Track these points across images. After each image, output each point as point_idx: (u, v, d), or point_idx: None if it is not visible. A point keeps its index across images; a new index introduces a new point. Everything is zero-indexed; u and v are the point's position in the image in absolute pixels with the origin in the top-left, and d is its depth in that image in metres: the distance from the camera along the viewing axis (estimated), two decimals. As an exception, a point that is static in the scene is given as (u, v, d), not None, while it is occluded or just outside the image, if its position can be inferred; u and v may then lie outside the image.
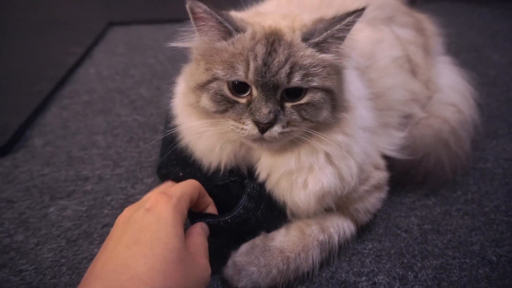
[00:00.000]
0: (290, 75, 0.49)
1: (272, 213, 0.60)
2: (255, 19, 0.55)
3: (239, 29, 0.51)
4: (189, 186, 0.54)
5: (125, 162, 0.86)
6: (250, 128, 0.50)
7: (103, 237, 0.67)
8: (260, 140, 0.52)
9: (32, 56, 1.42)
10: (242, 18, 0.54)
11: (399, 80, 0.75)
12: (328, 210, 0.62)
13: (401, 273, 0.61)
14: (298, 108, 0.51)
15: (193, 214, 0.57)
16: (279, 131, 0.50)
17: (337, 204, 0.61)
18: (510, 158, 0.87)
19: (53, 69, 1.29)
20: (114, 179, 0.81)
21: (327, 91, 0.52)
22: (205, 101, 0.53)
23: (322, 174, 0.55)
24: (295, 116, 0.51)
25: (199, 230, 0.53)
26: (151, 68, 1.33)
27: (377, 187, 0.66)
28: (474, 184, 0.80)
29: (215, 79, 0.51)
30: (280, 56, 0.49)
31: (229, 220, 0.56)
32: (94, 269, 0.42)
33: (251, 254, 0.57)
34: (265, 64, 0.49)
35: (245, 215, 0.56)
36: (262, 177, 0.59)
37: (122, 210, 0.72)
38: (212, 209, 0.58)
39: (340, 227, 0.62)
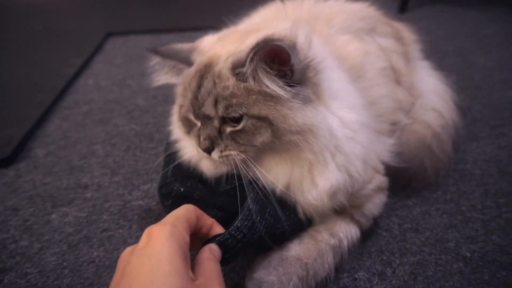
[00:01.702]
0: (216, 105, 0.53)
1: (283, 214, 0.58)
2: (215, 45, 0.59)
3: (190, 65, 0.58)
4: (182, 209, 0.50)
5: (122, 170, 0.91)
6: (200, 149, 0.56)
7: (102, 241, 0.72)
8: (212, 159, 0.57)
9: (33, 68, 1.48)
10: (202, 49, 0.60)
11: (386, 90, 0.78)
12: (337, 212, 0.63)
13: (380, 269, 0.65)
14: (234, 134, 0.54)
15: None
16: (218, 155, 0.55)
17: (342, 206, 0.61)
18: (488, 160, 0.92)
19: (53, 80, 1.34)
20: (112, 187, 0.86)
21: (259, 118, 0.52)
22: (179, 123, 0.61)
23: (327, 172, 0.56)
24: (230, 142, 0.54)
25: (208, 255, 0.48)
26: (148, 79, 1.37)
27: (379, 190, 0.69)
28: (453, 184, 0.85)
29: (181, 107, 0.59)
30: (205, 89, 0.54)
31: (238, 224, 0.53)
32: None
33: (269, 266, 0.58)
34: (195, 97, 0.55)
35: (253, 218, 0.55)
36: (268, 186, 0.58)
37: (120, 216, 0.78)
38: (217, 228, 0.54)
39: (348, 231, 0.64)
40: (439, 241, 0.71)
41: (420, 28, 2.01)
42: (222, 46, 0.58)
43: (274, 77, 0.50)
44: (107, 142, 1.02)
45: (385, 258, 0.67)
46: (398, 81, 0.84)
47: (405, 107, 0.85)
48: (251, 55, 0.49)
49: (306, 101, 0.53)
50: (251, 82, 0.51)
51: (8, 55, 1.63)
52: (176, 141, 0.67)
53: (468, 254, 0.68)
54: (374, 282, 0.63)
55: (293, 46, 0.48)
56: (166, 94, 0.69)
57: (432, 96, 0.94)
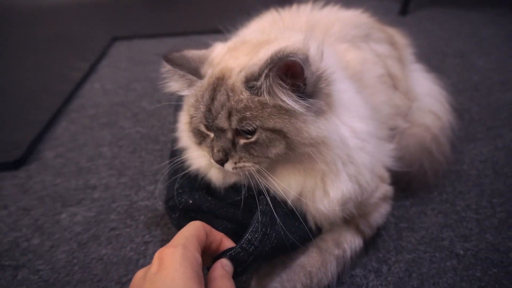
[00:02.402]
0: (230, 118, 0.53)
1: (293, 224, 0.59)
2: (226, 56, 0.58)
3: (200, 76, 0.58)
4: (191, 228, 0.49)
5: (129, 171, 0.94)
6: (213, 160, 0.57)
7: (110, 240, 0.75)
8: (224, 170, 0.57)
9: (40, 72, 1.52)
10: (211, 60, 0.59)
11: (385, 96, 0.79)
12: (345, 222, 0.65)
13: (376, 266, 0.68)
14: (248, 146, 0.54)
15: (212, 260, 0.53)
16: (232, 166, 0.55)
17: (351, 215, 0.63)
18: (485, 160, 0.94)
19: (61, 85, 1.38)
20: (119, 187, 0.89)
21: (274, 131, 0.52)
22: (190, 133, 0.61)
23: (339, 182, 0.57)
24: (244, 153, 0.55)
25: (221, 272, 0.48)
26: (153, 82, 1.41)
27: (384, 199, 0.70)
28: (449, 185, 0.87)
29: (192, 117, 0.59)
30: (218, 102, 0.54)
31: (249, 237, 0.53)
32: None
33: (273, 273, 0.59)
34: (209, 110, 0.55)
35: (263, 229, 0.55)
36: (279, 196, 0.58)
37: (127, 216, 0.81)
38: (227, 242, 0.54)
39: (352, 242, 0.65)
40: (434, 240, 0.73)
41: (421, 30, 2.04)
42: (234, 58, 0.57)
43: (289, 91, 0.50)
44: (113, 144, 1.05)
45: (381, 255, 0.70)
46: (395, 86, 0.86)
47: (403, 112, 0.87)
48: (266, 71, 0.49)
49: (319, 113, 0.54)
50: (265, 96, 0.51)
51: (16, 60, 1.67)
52: (183, 149, 0.68)
53: (461, 252, 0.70)
54: (370, 279, 0.65)
55: (306, 59, 0.48)
56: (170, 98, 0.71)
57: (428, 98, 0.96)
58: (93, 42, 1.82)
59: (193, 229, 0.48)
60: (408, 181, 0.82)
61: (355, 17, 0.87)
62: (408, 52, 0.97)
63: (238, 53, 0.59)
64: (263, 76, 0.50)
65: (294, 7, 0.85)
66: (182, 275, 0.40)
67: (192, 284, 0.40)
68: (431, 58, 1.58)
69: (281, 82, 0.50)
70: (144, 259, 0.71)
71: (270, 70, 0.49)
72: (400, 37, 0.95)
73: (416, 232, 0.75)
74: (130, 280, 0.67)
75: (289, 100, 0.50)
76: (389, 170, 0.72)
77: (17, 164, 0.98)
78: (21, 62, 1.64)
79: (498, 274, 0.65)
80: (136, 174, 0.93)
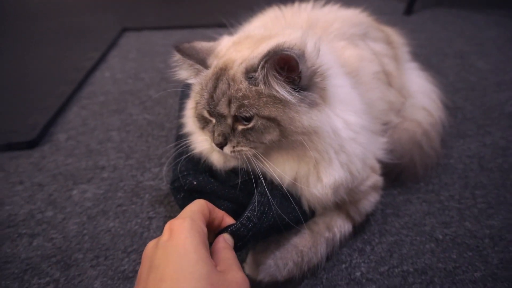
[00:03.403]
0: (229, 105, 0.58)
1: (289, 206, 0.63)
2: (230, 49, 0.63)
3: (207, 67, 0.63)
4: (196, 204, 0.53)
5: (135, 154, 1.01)
6: (213, 144, 0.61)
7: (117, 214, 0.82)
8: (224, 153, 0.61)
9: (53, 61, 1.58)
10: (217, 52, 0.64)
11: (379, 93, 0.83)
12: (337, 207, 0.70)
13: (360, 246, 0.73)
14: (245, 132, 0.59)
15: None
16: (230, 150, 0.60)
17: (343, 200, 0.67)
18: (472, 156, 0.99)
19: (72, 73, 1.44)
20: (126, 168, 0.96)
21: (269, 118, 0.57)
22: (195, 119, 0.66)
23: (331, 169, 0.61)
24: (242, 138, 0.59)
25: (223, 244, 0.52)
26: (160, 72, 1.47)
27: (374, 188, 0.74)
28: (436, 177, 0.92)
29: (197, 104, 0.64)
30: (220, 90, 0.58)
31: (248, 214, 0.58)
32: None
33: (268, 250, 0.65)
34: (211, 97, 0.59)
35: (261, 208, 0.59)
36: (275, 180, 0.62)
37: (133, 194, 0.87)
38: (228, 219, 0.58)
39: (341, 226, 0.70)
40: (416, 225, 0.78)
41: (425, 30, 2.07)
42: (237, 51, 0.62)
43: (283, 83, 0.55)
44: (122, 129, 1.12)
45: (366, 237, 0.75)
46: (389, 83, 0.89)
47: (396, 108, 0.91)
48: (262, 62, 0.53)
49: (312, 105, 0.57)
50: (262, 86, 0.56)
51: (31, 50, 1.74)
52: (188, 134, 0.72)
53: (440, 237, 0.75)
54: (354, 257, 0.71)
55: (302, 54, 0.52)
56: (176, 85, 0.76)
57: (421, 96, 1.00)
58: (104, 33, 1.88)
59: (198, 205, 0.53)
60: (399, 172, 0.87)
61: (354, 16, 0.91)
62: (403, 51, 1.01)
63: (241, 46, 0.63)
64: (260, 67, 0.54)
65: (296, 4, 0.89)
66: (192, 241, 0.44)
67: (200, 249, 0.44)
68: (432, 58, 1.63)
69: (276, 74, 0.54)
70: (148, 232, 0.77)
71: (266, 62, 0.53)
72: (396, 36, 0.99)
73: (401, 218, 0.80)
74: (135, 250, 0.74)
75: (282, 91, 0.55)
76: (381, 161, 0.77)
77: (32, 144, 1.05)
78: (36, 51, 1.71)
79: (473, 257, 0.71)
80: (142, 157, 1.00)
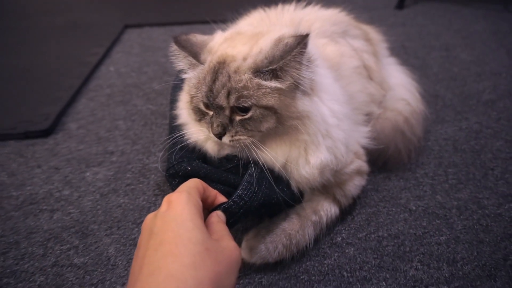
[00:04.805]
0: (228, 97, 0.61)
1: (278, 187, 0.68)
2: (223, 45, 0.66)
3: (199, 61, 0.66)
4: (191, 181, 0.56)
5: (141, 141, 1.10)
6: (212, 134, 0.65)
7: (126, 192, 0.91)
8: (222, 143, 0.65)
9: (62, 56, 1.68)
10: (210, 48, 0.67)
11: (360, 86, 0.88)
12: (324, 190, 0.76)
13: (342, 216, 0.83)
14: (243, 122, 0.62)
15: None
16: (229, 139, 0.64)
17: (329, 183, 0.73)
18: (447, 138, 1.08)
19: (80, 68, 1.54)
20: (133, 153, 1.05)
21: (266, 107, 0.61)
22: (191, 111, 0.70)
23: (318, 152, 0.66)
24: (240, 128, 0.63)
25: (217, 219, 0.55)
26: (162, 66, 1.56)
27: (358, 173, 0.79)
28: (413, 157, 1.01)
29: (193, 97, 0.67)
30: (219, 82, 0.61)
31: (240, 193, 0.62)
32: (132, 276, 0.45)
33: (258, 235, 0.70)
34: (210, 90, 0.62)
35: (251, 188, 0.63)
36: (268, 164, 0.66)
37: (140, 175, 0.97)
38: (220, 198, 0.61)
39: (328, 210, 0.75)
40: (393, 198, 0.88)
41: (414, 24, 2.16)
42: (231, 46, 0.65)
43: (293, 73, 0.60)
44: (127, 119, 1.21)
45: (347, 209, 0.85)
46: (370, 77, 0.95)
47: (377, 99, 0.97)
48: (285, 54, 0.58)
49: (304, 92, 0.63)
50: (263, 78, 0.60)
51: (41, 46, 1.82)
52: (183, 125, 0.76)
53: (414, 208, 0.85)
54: (336, 225, 0.81)
55: (308, 40, 0.58)
56: (177, 78, 0.84)
57: (401, 88, 1.07)
58: (107, 29, 1.97)
59: (194, 182, 0.56)
60: (385, 160, 0.94)
61: (334, 15, 0.97)
62: (382, 46, 1.07)
63: (235, 42, 0.67)
64: (281, 59, 0.58)
65: (279, 6, 0.95)
66: (189, 212, 0.47)
67: (197, 218, 0.48)
68: (419, 50, 1.71)
69: (296, 63, 0.59)
70: (155, 207, 0.87)
71: (288, 52, 0.58)
72: (374, 33, 1.06)
73: (379, 192, 0.90)
74: (143, 221, 0.83)
75: (286, 83, 0.60)
76: (366, 148, 0.83)
77: (46, 133, 1.14)
78: (45, 47, 1.80)
79: (440, 224, 0.81)
80: (148, 143, 1.09)
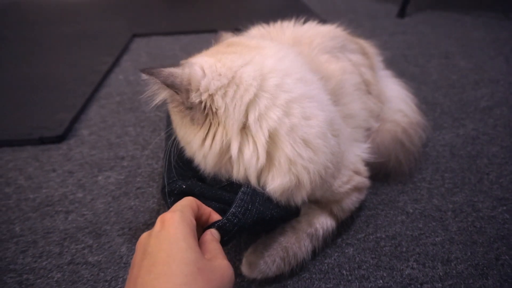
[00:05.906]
0: None
1: (271, 203, 0.67)
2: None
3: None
4: (185, 199, 0.57)
5: (150, 146, 1.16)
6: None
7: (137, 195, 0.96)
8: None
9: (73, 65, 1.74)
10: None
11: (361, 103, 0.89)
12: (320, 206, 0.77)
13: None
14: None
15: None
16: None
17: (322, 202, 0.76)
18: (445, 144, 1.12)
19: (90, 76, 1.60)
20: (143, 158, 1.11)
21: None
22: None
23: (278, 174, 0.64)
24: None
25: (210, 237, 0.56)
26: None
27: (357, 189, 0.79)
28: (414, 169, 1.05)
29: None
30: None
31: (233, 210, 0.61)
32: None
33: (257, 250, 0.72)
34: None
35: (245, 205, 0.63)
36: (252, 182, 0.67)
37: (150, 179, 1.02)
38: (215, 216, 0.61)
39: (324, 223, 0.76)
40: (391, 202, 0.92)
41: (415, 32, 2.21)
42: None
43: None
44: (137, 125, 1.27)
45: (344, 222, 0.88)
46: (368, 91, 0.97)
47: (376, 113, 0.98)
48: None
49: None
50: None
51: (52, 55, 1.89)
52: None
53: (411, 211, 0.89)
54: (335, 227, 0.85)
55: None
56: None
57: (397, 100, 1.08)
58: (116, 38, 2.04)
59: (187, 201, 0.57)
60: (387, 173, 0.96)
61: (331, 31, 1.00)
62: (377, 60, 1.10)
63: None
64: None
65: (278, 23, 0.98)
66: (182, 232, 0.48)
67: (189, 238, 0.48)
68: (419, 58, 1.76)
69: None
70: (164, 209, 0.92)
71: None
72: (370, 48, 1.09)
73: (378, 196, 0.94)
74: (153, 223, 0.87)
75: None
76: (368, 163, 0.84)
77: (60, 139, 1.20)
78: (56, 56, 1.86)
79: (436, 226, 0.84)
80: (156, 149, 1.14)
